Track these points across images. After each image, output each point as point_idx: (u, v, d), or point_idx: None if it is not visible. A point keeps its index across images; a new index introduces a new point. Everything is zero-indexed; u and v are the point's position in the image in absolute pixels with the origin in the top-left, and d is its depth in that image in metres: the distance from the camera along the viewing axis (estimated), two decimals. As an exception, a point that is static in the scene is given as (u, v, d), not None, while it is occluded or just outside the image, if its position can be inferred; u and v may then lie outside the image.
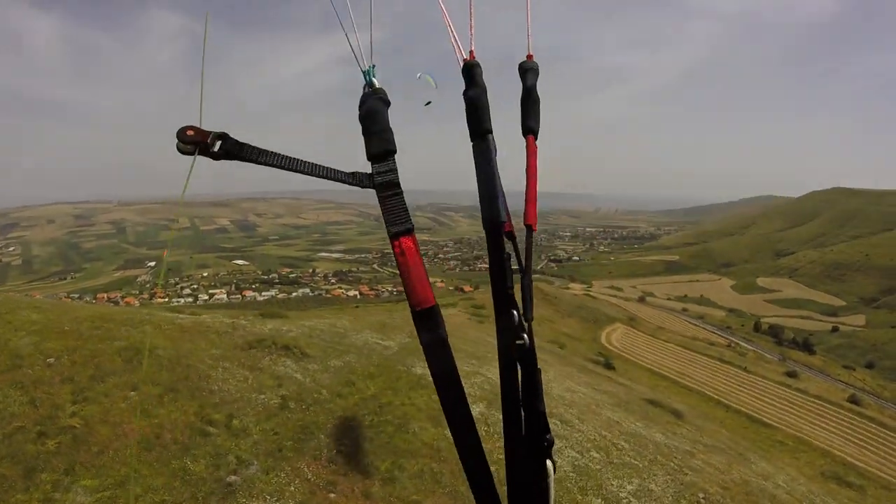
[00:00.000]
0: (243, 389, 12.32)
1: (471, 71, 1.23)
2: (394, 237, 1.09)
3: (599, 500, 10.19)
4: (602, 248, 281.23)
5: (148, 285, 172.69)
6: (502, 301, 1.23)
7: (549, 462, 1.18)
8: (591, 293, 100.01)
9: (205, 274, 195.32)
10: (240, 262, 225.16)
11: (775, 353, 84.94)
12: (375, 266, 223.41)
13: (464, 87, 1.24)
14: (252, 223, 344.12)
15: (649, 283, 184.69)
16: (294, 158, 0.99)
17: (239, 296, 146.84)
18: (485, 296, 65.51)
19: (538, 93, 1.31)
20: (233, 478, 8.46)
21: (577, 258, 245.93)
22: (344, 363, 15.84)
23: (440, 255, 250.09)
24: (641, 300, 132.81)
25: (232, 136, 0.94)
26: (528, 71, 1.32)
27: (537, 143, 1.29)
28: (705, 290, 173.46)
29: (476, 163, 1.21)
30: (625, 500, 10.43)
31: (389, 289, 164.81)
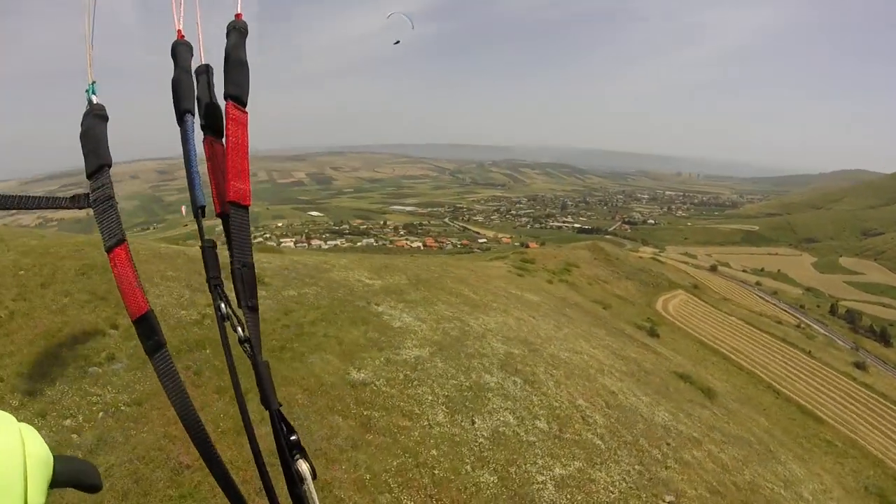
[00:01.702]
0: (171, 304, 12.94)
1: (175, 50, 1.22)
2: (108, 251, 1.05)
3: (492, 479, 8.99)
4: (680, 212, 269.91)
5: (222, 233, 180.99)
6: (211, 291, 1.15)
7: (302, 465, 1.02)
8: (658, 258, 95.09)
9: (279, 224, 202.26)
10: (314, 213, 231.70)
11: (848, 340, 78.30)
12: (446, 220, 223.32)
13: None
14: (328, 177, 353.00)
15: (725, 252, 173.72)
16: (14, 196, 1.02)
17: (305, 244, 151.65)
18: (541, 251, 64.51)
19: (243, 56, 1.21)
20: (93, 369, 9.58)
21: (653, 221, 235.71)
22: (299, 293, 15.99)
23: (512, 212, 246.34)
24: (713, 269, 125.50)
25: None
26: (230, 31, 1.23)
27: (245, 109, 1.18)
28: (783, 264, 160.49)
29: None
30: (535, 487, 9.05)
31: (454, 241, 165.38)
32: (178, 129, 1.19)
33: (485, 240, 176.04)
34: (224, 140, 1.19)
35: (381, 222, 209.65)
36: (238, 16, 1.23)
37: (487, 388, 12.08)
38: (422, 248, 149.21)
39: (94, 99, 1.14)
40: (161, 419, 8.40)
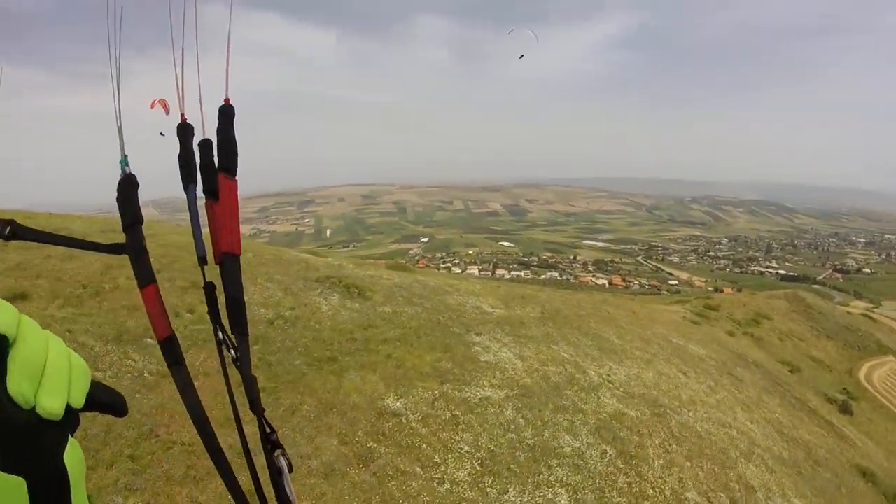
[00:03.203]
0: (255, 302, 13.27)
1: (180, 130, 1.35)
2: (141, 289, 1.21)
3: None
4: None
5: (416, 257, 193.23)
6: (212, 321, 1.34)
7: (281, 460, 1.18)
8: (871, 314, 76.52)
9: (469, 252, 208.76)
10: (505, 243, 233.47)
11: None
12: (639, 259, 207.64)
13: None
14: (523, 208, 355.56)
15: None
16: (64, 237, 1.14)
17: (489, 273, 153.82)
18: (730, 298, 56.10)
19: (231, 134, 1.36)
20: (147, 340, 10.24)
21: (869, 270, 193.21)
22: (394, 311, 15.19)
23: (710, 253, 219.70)
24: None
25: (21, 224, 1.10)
26: (220, 114, 1.37)
27: (234, 178, 1.35)
28: None
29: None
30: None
31: (643, 282, 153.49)
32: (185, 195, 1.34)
33: (676, 282, 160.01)
34: (218, 203, 1.33)
35: (572, 257, 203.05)
36: (226, 100, 1.36)
37: (557, 453, 9.61)
38: (607, 285, 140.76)
39: (127, 170, 1.26)
40: (169, 390, 8.41)
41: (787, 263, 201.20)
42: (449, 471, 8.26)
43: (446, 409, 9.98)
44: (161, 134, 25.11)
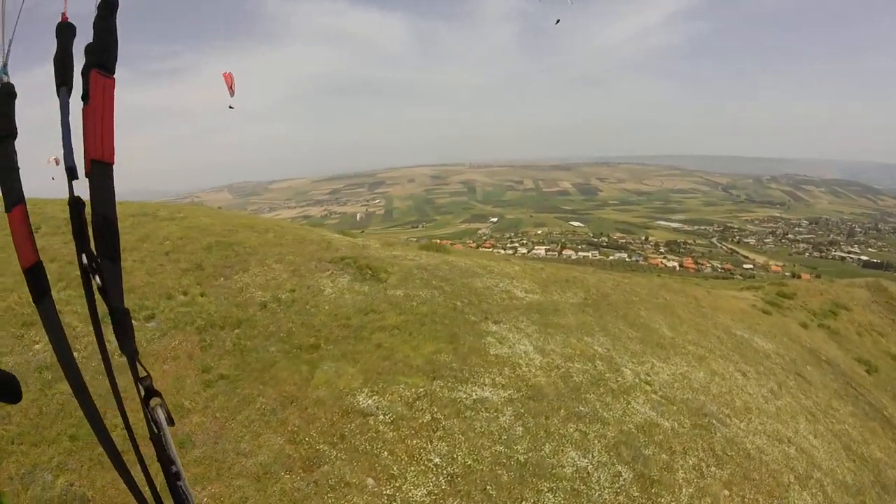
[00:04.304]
0: (257, 285, 12.90)
1: (58, 30, 1.29)
2: (7, 211, 1.15)
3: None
4: None
5: (484, 237, 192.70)
6: (76, 243, 1.19)
7: (158, 412, 1.13)
8: None
9: (538, 232, 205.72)
10: (575, 223, 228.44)
11: None
12: (714, 241, 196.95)
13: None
14: (594, 187, 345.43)
15: None
16: None
17: (556, 253, 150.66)
18: (806, 285, 51.16)
19: (111, 25, 1.23)
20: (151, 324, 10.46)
21: None
22: (406, 294, 14.28)
23: (789, 236, 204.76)
24: None
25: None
26: (99, 4, 1.24)
27: (110, 75, 1.21)
28: None
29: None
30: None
31: (716, 265, 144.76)
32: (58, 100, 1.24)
33: (751, 266, 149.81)
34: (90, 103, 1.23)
35: (643, 237, 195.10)
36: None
37: (554, 473, 8.18)
38: (678, 268, 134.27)
39: (5, 78, 1.22)
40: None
41: (870, 249, 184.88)
42: (405, 487, 7.13)
43: (427, 410, 8.80)
44: (230, 107, 25.50)
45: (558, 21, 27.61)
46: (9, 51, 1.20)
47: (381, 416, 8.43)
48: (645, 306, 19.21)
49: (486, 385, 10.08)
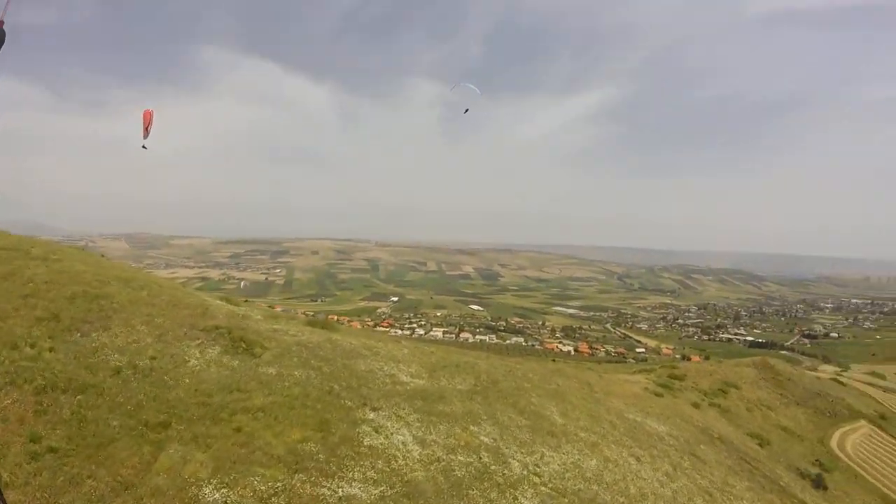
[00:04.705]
0: (115, 347, 11.98)
1: None
2: None
3: None
4: (867, 324, 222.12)
5: (383, 316, 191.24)
6: None
7: None
8: (840, 378, 74.79)
9: (438, 314, 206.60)
10: (475, 307, 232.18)
11: None
12: (608, 326, 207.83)
13: None
14: (495, 272, 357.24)
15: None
16: None
17: (453, 336, 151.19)
18: (696, 367, 54.27)
19: None
20: None
21: (836, 334, 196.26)
22: (279, 373, 13.62)
23: (679, 321, 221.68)
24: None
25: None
26: None
27: None
28: None
29: None
30: None
31: (609, 349, 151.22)
32: None
33: (643, 350, 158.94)
34: None
35: (540, 322, 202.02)
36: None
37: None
38: (573, 352, 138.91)
39: None
40: None
41: (755, 330, 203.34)
42: None
43: (277, 508, 7.94)
44: (143, 147, 23.75)
45: (467, 111, 29.78)
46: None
47: (227, 512, 7.50)
48: (537, 393, 19.38)
49: (354, 480, 9.46)
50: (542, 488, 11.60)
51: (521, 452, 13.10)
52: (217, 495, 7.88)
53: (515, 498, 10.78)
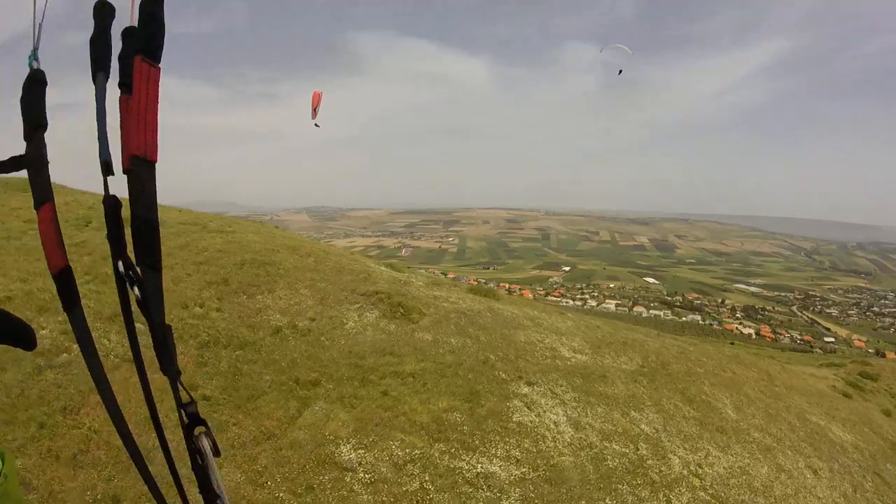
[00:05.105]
0: (277, 308, 12.56)
1: (95, 10, 1.19)
2: (36, 208, 1.09)
3: None
4: None
5: (554, 286, 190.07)
6: (112, 248, 1.11)
7: (203, 441, 1.11)
8: None
9: (611, 285, 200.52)
10: (650, 279, 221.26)
11: None
12: (794, 309, 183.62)
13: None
14: (671, 244, 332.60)
15: None
16: None
17: (626, 309, 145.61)
18: (893, 366, 45.57)
19: (158, 12, 1.09)
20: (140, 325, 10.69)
21: None
22: (434, 339, 13.63)
23: (874, 308, 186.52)
24: None
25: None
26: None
27: (156, 64, 1.08)
28: None
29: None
30: None
31: (795, 335, 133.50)
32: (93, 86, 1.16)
33: (833, 339, 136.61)
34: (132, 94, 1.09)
35: (719, 300, 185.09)
36: None
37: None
38: (754, 336, 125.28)
39: (35, 65, 1.13)
40: (120, 378, 8.12)
41: None
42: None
43: (417, 477, 7.68)
44: (315, 125, 26.25)
45: (620, 72, 28.16)
46: (39, 35, 1.10)
47: (361, 475, 7.44)
48: (710, 380, 17.16)
49: (496, 457, 8.80)
50: (701, 493, 9.96)
51: (684, 448, 11.44)
52: (353, 455, 7.80)
53: (669, 500, 9.34)
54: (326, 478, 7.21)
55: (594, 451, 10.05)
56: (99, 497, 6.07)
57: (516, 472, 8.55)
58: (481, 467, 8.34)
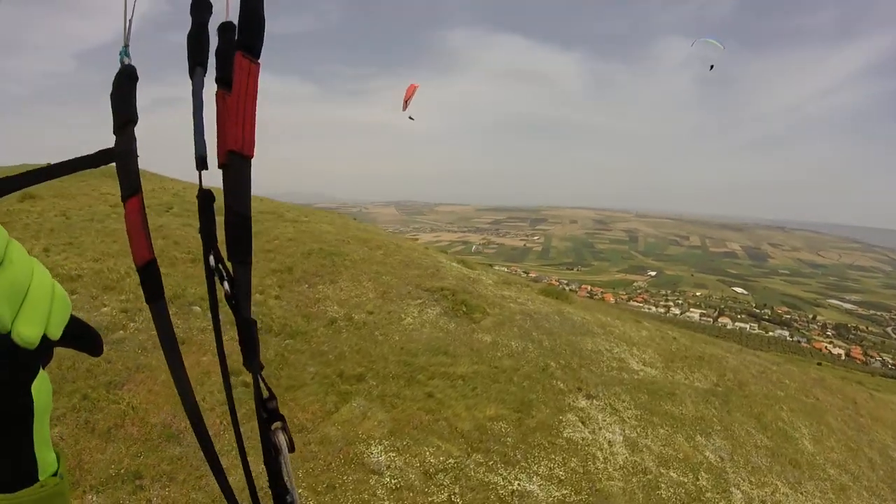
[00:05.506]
0: (336, 299, 12.74)
1: (193, 4, 1.17)
2: (124, 200, 1.08)
3: None
4: None
5: (638, 290, 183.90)
6: (203, 241, 1.11)
7: (279, 436, 1.02)
8: None
9: (697, 293, 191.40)
10: (738, 289, 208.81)
11: None
12: (889, 330, 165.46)
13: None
14: (764, 252, 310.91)
15: None
16: (38, 169, 1.00)
17: (710, 320, 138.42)
18: None
19: (259, 8, 1.10)
20: (195, 308, 10.60)
21: None
22: (495, 341, 13.37)
23: None
24: None
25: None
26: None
27: (256, 60, 1.09)
28: None
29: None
30: None
31: (887, 359, 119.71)
32: (190, 81, 1.15)
33: None
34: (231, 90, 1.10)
35: (811, 315, 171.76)
36: None
37: None
38: (842, 357, 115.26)
39: (126, 60, 1.11)
40: (162, 359, 8.70)
41: None
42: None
43: (447, 488, 7.32)
44: (410, 118, 26.71)
45: (712, 67, 26.86)
46: (129, 30, 1.08)
47: (387, 479, 7.21)
48: (789, 405, 15.65)
49: (537, 475, 8.26)
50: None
51: (750, 482, 10.37)
52: (382, 457, 7.60)
53: (722, 541, 8.57)
54: (350, 478, 7.06)
55: (648, 477, 9.32)
56: (122, 471, 6.30)
57: (556, 493, 8.00)
58: (518, 484, 7.87)
